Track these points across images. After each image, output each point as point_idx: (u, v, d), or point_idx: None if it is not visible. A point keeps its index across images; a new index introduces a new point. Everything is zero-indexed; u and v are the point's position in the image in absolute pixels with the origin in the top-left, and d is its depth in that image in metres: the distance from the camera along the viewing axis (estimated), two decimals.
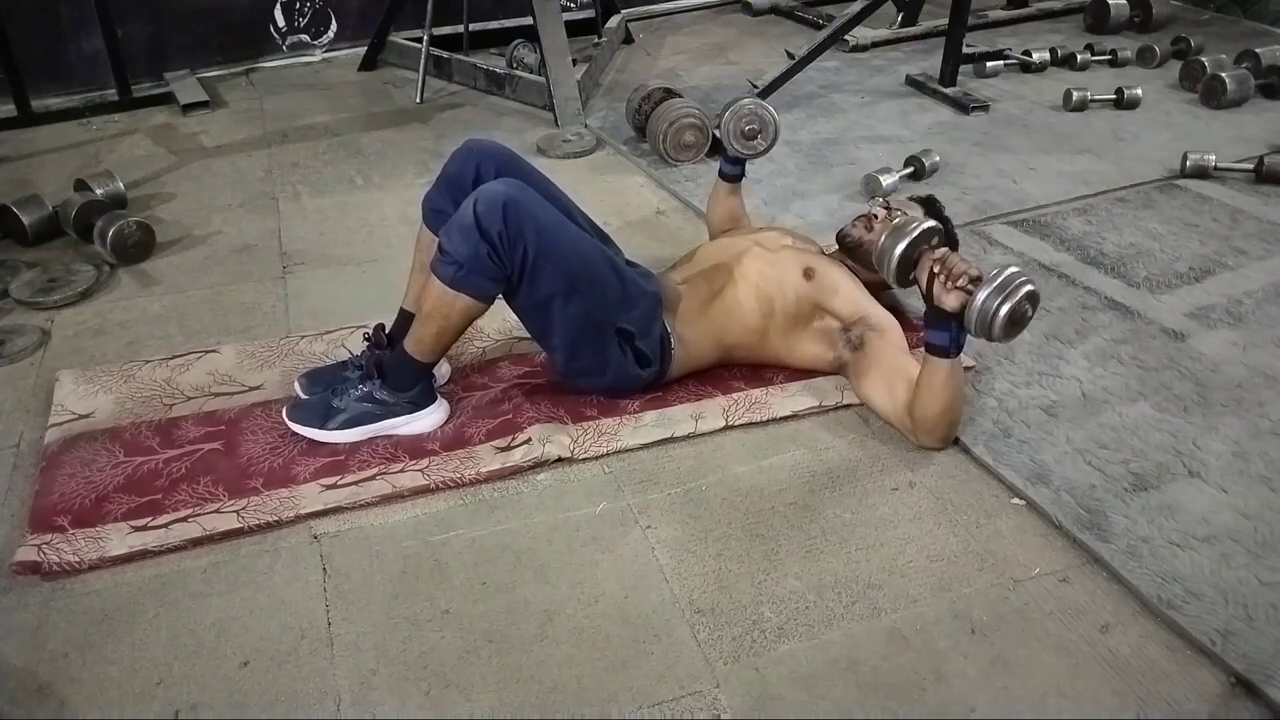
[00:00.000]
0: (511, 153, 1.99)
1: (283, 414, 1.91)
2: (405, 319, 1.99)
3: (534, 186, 1.86)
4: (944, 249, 1.77)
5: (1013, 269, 1.66)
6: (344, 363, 2.02)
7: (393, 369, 1.86)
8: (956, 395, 1.80)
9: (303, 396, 1.98)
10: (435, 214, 1.94)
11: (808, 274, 2.00)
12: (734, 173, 2.36)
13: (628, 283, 1.91)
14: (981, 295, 1.64)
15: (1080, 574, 1.60)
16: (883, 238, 1.82)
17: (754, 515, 1.73)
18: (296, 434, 1.88)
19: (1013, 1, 4.67)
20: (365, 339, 1.96)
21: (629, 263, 2.03)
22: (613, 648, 1.48)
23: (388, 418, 1.87)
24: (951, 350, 1.73)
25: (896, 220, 1.82)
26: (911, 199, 2.19)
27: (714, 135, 3.14)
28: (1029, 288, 1.65)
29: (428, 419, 1.90)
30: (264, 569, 1.62)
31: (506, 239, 1.72)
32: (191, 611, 1.54)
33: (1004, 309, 1.63)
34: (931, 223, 1.82)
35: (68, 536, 1.64)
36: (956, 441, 1.87)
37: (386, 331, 1.96)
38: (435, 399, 1.92)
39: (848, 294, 2.00)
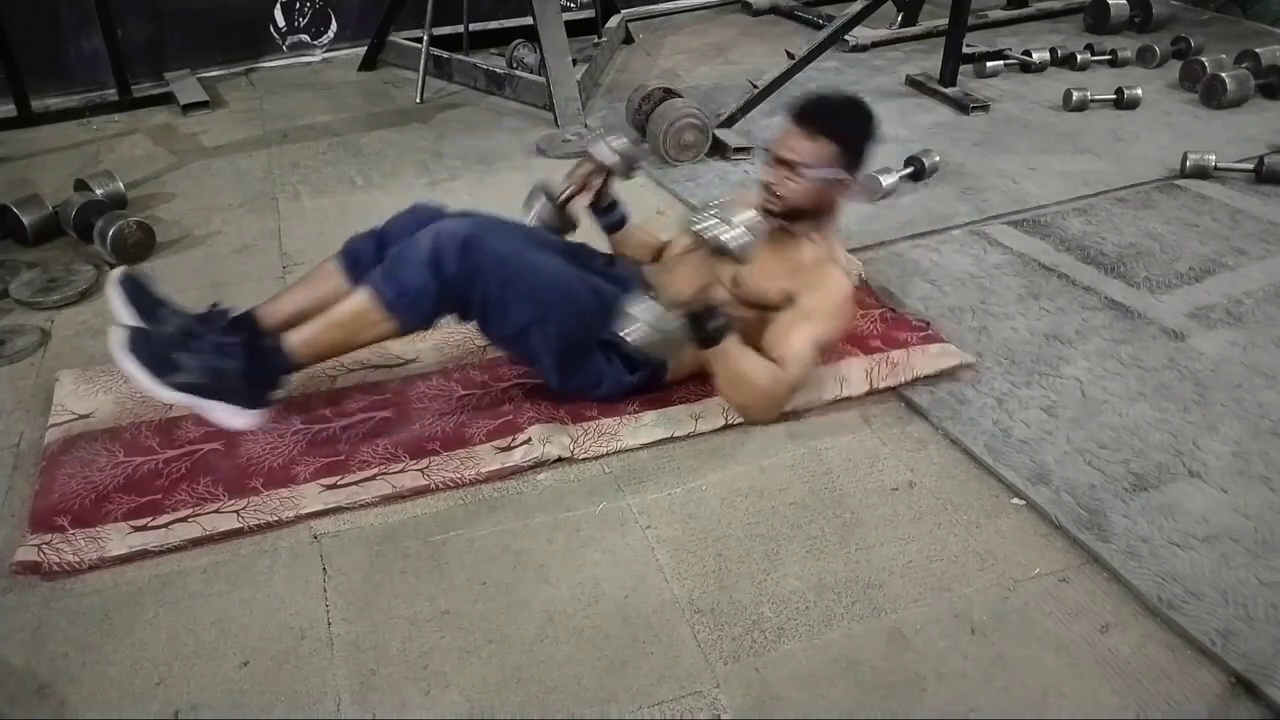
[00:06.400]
0: (454, 212, 1.96)
1: (113, 337, 1.70)
2: (249, 322, 1.89)
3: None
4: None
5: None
6: (205, 315, 1.85)
7: (257, 356, 1.76)
8: (729, 380, 1.86)
9: (142, 325, 1.76)
10: (352, 254, 1.94)
11: (735, 283, 1.95)
12: (611, 222, 2.19)
13: (603, 295, 1.89)
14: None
15: (1080, 574, 1.60)
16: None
17: (754, 515, 1.73)
18: (120, 363, 1.69)
19: (1013, 1, 4.66)
20: (218, 313, 1.85)
21: (609, 259, 1.99)
22: (613, 648, 1.48)
23: (218, 399, 1.73)
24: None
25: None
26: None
27: (713, 136, 3.15)
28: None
29: (246, 418, 1.76)
30: (264, 569, 1.62)
31: (461, 278, 1.72)
32: (191, 611, 1.54)
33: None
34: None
35: (68, 536, 1.64)
36: (954, 442, 1.87)
37: (229, 317, 1.86)
38: (269, 405, 1.79)
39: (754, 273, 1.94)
